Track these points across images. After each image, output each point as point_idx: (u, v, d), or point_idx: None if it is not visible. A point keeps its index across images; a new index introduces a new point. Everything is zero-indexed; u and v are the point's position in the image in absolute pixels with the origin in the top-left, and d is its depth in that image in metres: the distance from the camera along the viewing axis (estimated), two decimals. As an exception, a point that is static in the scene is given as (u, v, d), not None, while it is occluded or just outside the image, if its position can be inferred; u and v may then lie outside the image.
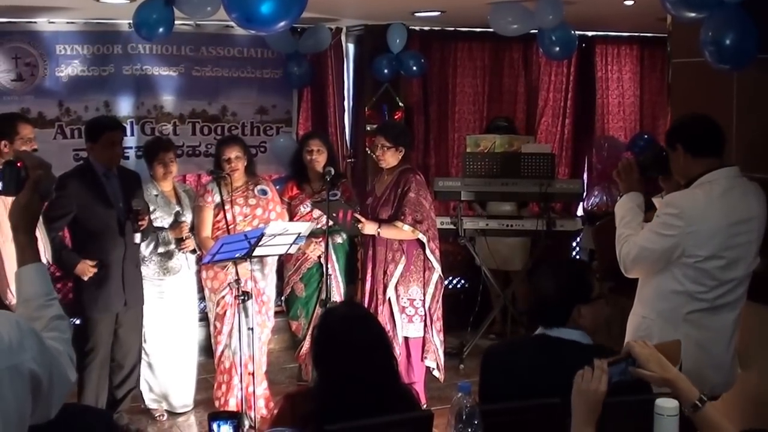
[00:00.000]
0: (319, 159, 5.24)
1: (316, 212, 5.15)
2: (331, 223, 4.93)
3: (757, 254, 3.23)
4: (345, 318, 2.66)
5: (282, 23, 3.66)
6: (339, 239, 5.28)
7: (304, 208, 5.24)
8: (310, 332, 5.19)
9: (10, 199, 1.96)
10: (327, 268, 4.99)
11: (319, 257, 5.19)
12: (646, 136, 7.63)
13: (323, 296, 4.98)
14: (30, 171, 1.91)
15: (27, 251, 1.91)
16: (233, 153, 4.98)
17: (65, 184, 4.56)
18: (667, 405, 2.10)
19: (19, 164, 1.91)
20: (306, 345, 5.28)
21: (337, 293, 5.24)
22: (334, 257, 5.23)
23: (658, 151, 3.43)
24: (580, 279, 2.70)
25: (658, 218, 3.18)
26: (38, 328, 1.77)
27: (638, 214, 3.28)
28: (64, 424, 1.87)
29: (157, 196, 4.97)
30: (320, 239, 5.14)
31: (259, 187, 5.11)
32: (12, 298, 4.18)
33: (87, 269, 4.54)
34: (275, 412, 2.61)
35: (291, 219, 5.22)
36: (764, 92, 3.64)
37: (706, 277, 3.13)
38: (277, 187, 5.47)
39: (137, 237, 4.70)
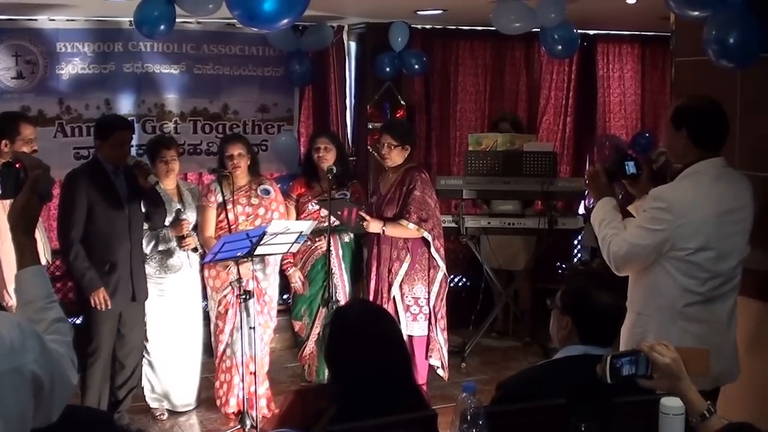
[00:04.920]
0: (327, 157, 5.17)
1: (324, 211, 5.11)
2: (336, 221, 4.91)
3: (747, 243, 3.21)
4: (362, 314, 2.63)
5: (284, 21, 3.64)
6: (346, 238, 5.25)
7: (312, 207, 5.21)
8: (314, 332, 5.17)
9: (9, 202, 1.94)
10: (331, 267, 4.98)
11: (328, 251, 5.10)
12: (647, 135, 7.63)
13: (326, 295, 4.97)
14: (28, 172, 1.89)
15: (26, 253, 1.90)
16: (236, 150, 4.96)
17: (75, 181, 4.53)
18: (672, 404, 2.09)
19: (17, 165, 1.89)
20: (310, 346, 5.23)
21: (342, 292, 5.21)
22: (341, 255, 5.21)
23: (622, 157, 3.42)
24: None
25: (645, 213, 3.15)
26: (39, 330, 1.75)
27: (616, 215, 3.26)
28: (65, 426, 1.85)
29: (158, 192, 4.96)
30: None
31: (262, 186, 5.09)
32: (10, 300, 4.16)
33: (101, 300, 4.50)
34: (284, 407, 2.57)
35: (299, 217, 5.19)
36: (768, 90, 3.64)
37: (697, 269, 3.11)
38: (280, 185, 5.44)
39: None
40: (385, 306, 4.82)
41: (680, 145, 3.18)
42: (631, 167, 3.34)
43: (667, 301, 3.16)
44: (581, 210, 7.36)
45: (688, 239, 3.07)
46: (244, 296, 4.61)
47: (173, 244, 4.95)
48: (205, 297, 5.21)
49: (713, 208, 3.09)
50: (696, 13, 3.52)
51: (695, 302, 3.13)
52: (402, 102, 7.04)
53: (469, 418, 2.12)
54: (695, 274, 3.11)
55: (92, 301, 4.48)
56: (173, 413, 5.15)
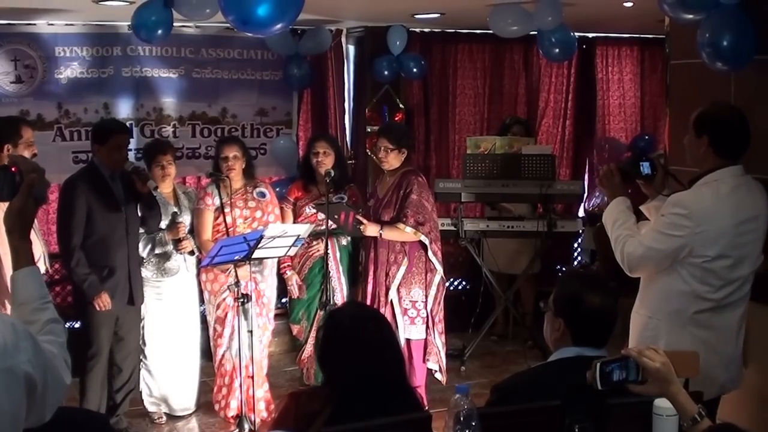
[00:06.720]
0: (325, 161, 5.15)
1: (321, 214, 5.09)
2: (333, 225, 4.92)
3: (761, 252, 3.21)
4: (355, 316, 2.64)
5: (278, 26, 3.65)
6: (344, 241, 5.25)
7: (310, 210, 5.21)
8: (312, 335, 5.17)
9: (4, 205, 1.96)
10: (328, 270, 4.98)
11: (326, 254, 5.11)
12: (646, 137, 7.64)
13: (324, 298, 4.97)
14: (24, 175, 1.91)
15: (21, 255, 1.92)
16: (231, 152, 4.97)
17: (74, 186, 4.54)
18: (665, 405, 2.10)
19: (13, 169, 1.91)
20: (308, 349, 5.22)
21: (340, 296, 5.21)
22: (338, 259, 5.22)
23: (637, 157, 3.42)
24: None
25: (664, 218, 3.13)
26: (33, 331, 1.77)
27: (630, 216, 3.26)
28: (63, 429, 1.86)
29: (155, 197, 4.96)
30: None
31: (257, 189, 5.10)
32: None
33: (104, 303, 4.52)
34: (279, 410, 2.58)
35: (296, 220, 5.19)
36: (762, 93, 3.64)
37: (712, 277, 3.11)
38: (277, 188, 5.44)
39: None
40: (382, 309, 4.82)
41: (700, 151, 3.17)
42: (646, 167, 3.34)
43: (678, 306, 3.15)
44: (581, 213, 7.37)
45: (707, 247, 3.07)
46: (242, 300, 4.62)
47: (170, 247, 4.96)
48: (202, 301, 5.22)
49: (732, 217, 3.09)
50: (690, 16, 3.53)
51: (706, 309, 3.13)
52: (400, 105, 7.04)
53: (462, 419, 2.13)
54: (710, 281, 3.11)
55: (96, 305, 4.50)
56: (172, 417, 5.16)
